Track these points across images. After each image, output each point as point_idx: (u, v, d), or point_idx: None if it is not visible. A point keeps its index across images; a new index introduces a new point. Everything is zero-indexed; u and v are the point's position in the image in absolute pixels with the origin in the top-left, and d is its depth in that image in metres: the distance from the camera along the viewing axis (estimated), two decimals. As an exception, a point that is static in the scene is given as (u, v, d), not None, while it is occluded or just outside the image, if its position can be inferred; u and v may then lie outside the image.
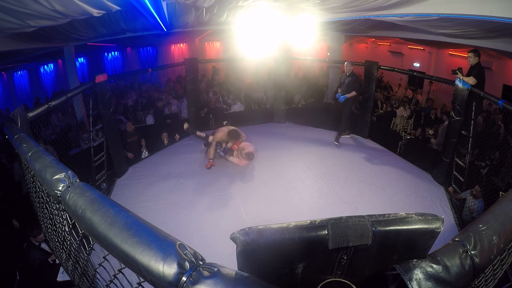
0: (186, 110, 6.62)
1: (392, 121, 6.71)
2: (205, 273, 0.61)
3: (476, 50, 4.10)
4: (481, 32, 4.46)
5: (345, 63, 5.54)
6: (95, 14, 3.11)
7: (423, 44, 9.15)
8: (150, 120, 6.49)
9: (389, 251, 0.89)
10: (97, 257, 0.96)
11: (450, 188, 4.26)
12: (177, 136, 5.95)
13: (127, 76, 8.56)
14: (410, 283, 0.76)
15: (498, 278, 1.24)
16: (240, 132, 4.97)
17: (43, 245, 3.08)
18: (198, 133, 5.33)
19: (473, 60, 4.09)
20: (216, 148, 4.95)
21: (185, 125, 5.66)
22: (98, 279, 1.18)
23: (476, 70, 4.05)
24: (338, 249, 0.85)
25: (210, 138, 4.90)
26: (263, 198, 4.12)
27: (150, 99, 7.68)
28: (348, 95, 5.39)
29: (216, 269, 0.62)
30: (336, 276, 0.93)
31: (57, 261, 2.86)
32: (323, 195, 4.16)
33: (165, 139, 5.76)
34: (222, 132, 4.85)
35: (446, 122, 5.32)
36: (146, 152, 5.44)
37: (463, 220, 3.74)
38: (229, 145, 4.90)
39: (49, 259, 2.99)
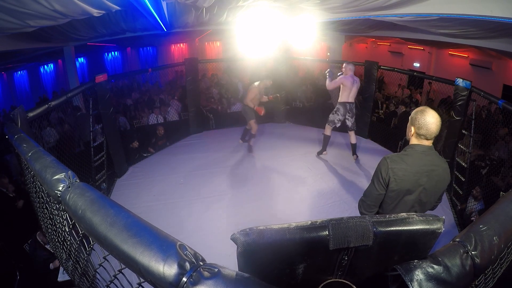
0: (176, 114, 6.64)
1: (392, 121, 6.70)
2: (206, 273, 0.61)
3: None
4: (481, 32, 4.46)
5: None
6: (95, 14, 3.11)
7: (423, 44, 9.15)
8: (152, 119, 6.49)
9: (390, 252, 0.89)
10: (97, 257, 0.96)
11: (463, 205, 3.98)
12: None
13: (127, 76, 8.54)
14: (411, 284, 0.76)
15: (497, 277, 1.24)
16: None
17: (47, 247, 3.08)
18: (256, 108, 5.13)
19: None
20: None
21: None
22: (98, 279, 1.18)
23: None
24: (339, 250, 0.85)
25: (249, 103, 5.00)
26: (263, 198, 4.12)
27: (150, 99, 7.68)
28: None
29: (216, 270, 0.62)
30: (337, 277, 0.93)
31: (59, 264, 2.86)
32: (323, 195, 4.16)
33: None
34: (254, 90, 4.99)
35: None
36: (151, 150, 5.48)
37: (463, 220, 3.74)
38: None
39: (51, 264, 2.98)
